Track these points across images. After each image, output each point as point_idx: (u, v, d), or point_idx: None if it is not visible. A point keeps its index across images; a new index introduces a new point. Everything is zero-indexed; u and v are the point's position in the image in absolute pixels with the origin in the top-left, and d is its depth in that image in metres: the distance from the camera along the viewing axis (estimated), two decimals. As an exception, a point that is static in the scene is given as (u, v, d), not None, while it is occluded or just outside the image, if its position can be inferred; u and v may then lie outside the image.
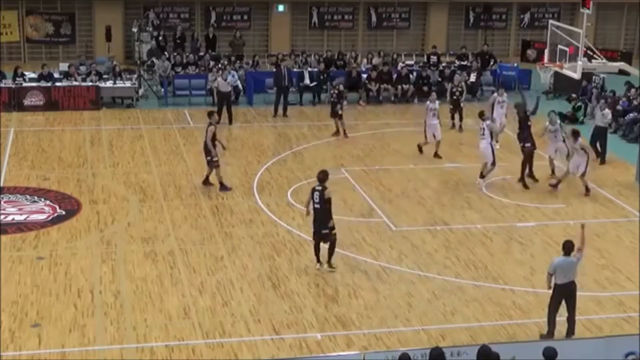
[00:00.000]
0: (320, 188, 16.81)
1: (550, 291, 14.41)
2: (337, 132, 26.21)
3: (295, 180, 21.91)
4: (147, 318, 14.96)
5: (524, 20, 39.40)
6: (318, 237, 17.02)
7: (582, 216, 20.32)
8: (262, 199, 20.82)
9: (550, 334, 14.38)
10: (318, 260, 17.09)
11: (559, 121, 22.99)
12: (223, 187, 21.19)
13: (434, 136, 24.02)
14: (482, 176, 21.79)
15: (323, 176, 16.96)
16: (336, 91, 26.18)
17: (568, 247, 14.31)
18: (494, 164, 21.62)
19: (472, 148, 25.26)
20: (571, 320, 14.53)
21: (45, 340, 14.20)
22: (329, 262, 17.07)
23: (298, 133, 26.65)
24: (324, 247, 17.12)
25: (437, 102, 24.22)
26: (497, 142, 24.85)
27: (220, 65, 30.58)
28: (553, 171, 22.82)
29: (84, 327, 14.60)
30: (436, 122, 23.96)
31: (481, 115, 22.16)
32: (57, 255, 17.41)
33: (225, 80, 27.46)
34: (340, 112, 25.94)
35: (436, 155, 24.11)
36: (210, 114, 21.45)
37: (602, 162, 24.21)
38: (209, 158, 21.13)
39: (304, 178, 22.19)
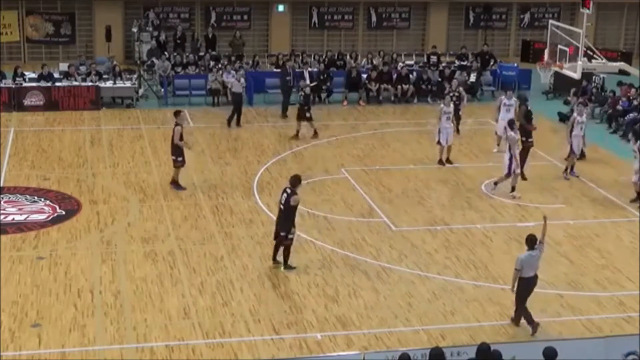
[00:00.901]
0: (289, 191, 16.71)
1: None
2: (296, 136, 25.79)
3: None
4: (147, 318, 14.96)
5: (524, 20, 39.38)
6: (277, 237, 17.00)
7: (583, 216, 20.35)
8: (262, 199, 20.82)
9: (534, 328, 14.70)
10: (274, 259, 17.07)
11: (585, 115, 23.11)
12: (178, 186, 21.14)
13: (447, 141, 23.43)
14: (495, 183, 21.49)
15: (294, 181, 16.88)
16: (302, 94, 26.05)
17: (531, 241, 14.67)
18: (508, 175, 21.12)
19: (471, 148, 25.30)
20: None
21: (45, 340, 14.21)
22: (285, 264, 17.01)
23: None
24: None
25: (451, 105, 23.78)
26: (497, 145, 24.85)
27: (220, 65, 30.62)
28: (567, 169, 22.88)
29: (84, 327, 14.61)
30: (450, 125, 23.44)
31: (510, 124, 21.42)
32: (57, 255, 17.41)
33: (239, 81, 27.44)
34: (307, 114, 25.62)
35: (448, 161, 23.70)
36: (176, 114, 21.23)
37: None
38: (173, 157, 21.07)
39: (304, 178, 22.16)
